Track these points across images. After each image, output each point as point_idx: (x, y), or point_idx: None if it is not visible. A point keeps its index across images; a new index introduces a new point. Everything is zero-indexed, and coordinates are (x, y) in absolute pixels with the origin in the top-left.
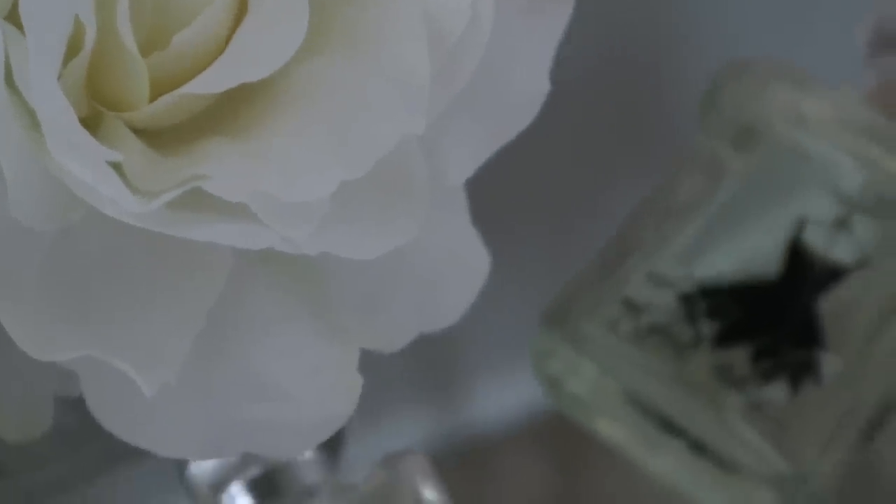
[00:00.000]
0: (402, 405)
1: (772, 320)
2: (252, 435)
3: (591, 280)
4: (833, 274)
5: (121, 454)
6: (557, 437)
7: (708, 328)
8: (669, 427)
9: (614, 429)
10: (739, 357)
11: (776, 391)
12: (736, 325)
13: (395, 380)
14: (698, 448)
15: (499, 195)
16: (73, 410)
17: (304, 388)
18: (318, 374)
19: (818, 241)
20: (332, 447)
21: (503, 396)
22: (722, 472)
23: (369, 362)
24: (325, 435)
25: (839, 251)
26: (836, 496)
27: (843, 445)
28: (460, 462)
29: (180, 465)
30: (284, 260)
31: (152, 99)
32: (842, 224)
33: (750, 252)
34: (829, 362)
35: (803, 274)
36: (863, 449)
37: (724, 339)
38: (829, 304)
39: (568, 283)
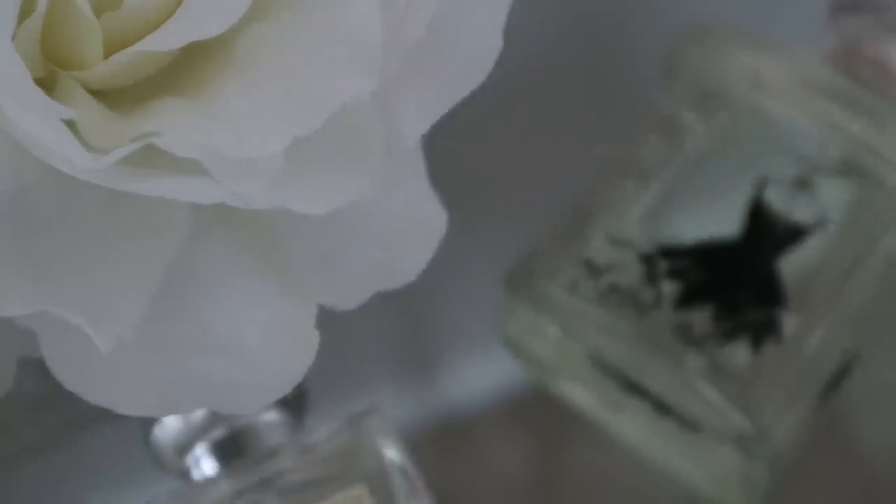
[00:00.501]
0: (381, 383)
1: (733, 281)
2: (210, 391)
3: (552, 243)
4: (794, 234)
5: (88, 420)
6: (537, 413)
7: (669, 289)
8: (633, 388)
9: (579, 391)
10: (701, 317)
11: (737, 350)
12: (697, 286)
13: (374, 358)
14: (662, 408)
15: (468, 168)
16: (39, 376)
17: (262, 344)
18: (275, 331)
19: (779, 202)
20: (296, 408)
21: (482, 373)
22: (685, 432)
23: (348, 341)
24: (282, 391)
25: (800, 212)
26: (798, 453)
27: (804, 404)
28: (439, 440)
29: (145, 430)
30: (242, 218)
31: (106, 58)
32: (803, 185)
33: (711, 213)
34: (790, 321)
35: (764, 235)
36: (823, 407)
37: (686, 299)
38: (790, 265)
39: (531, 246)
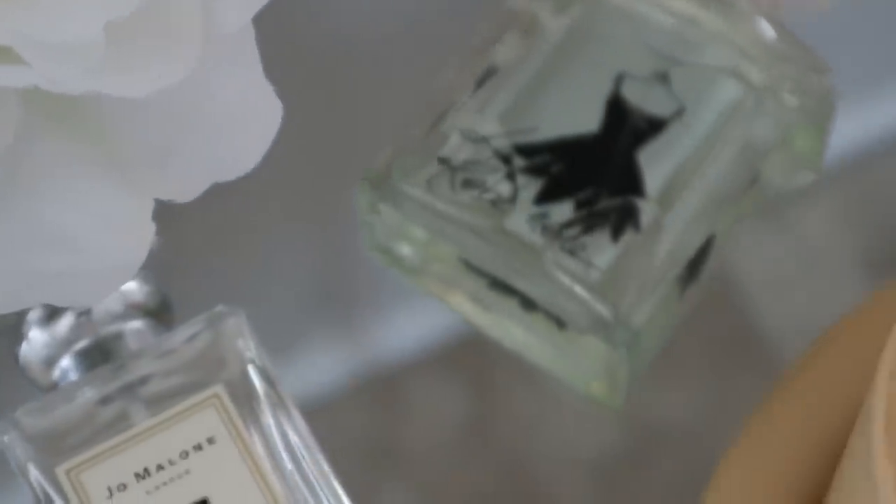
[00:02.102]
0: (313, 338)
1: (592, 174)
2: (49, 284)
3: (408, 141)
4: (652, 125)
5: None
6: (467, 359)
7: (529, 185)
8: (500, 286)
9: (450, 293)
10: (560, 211)
11: (597, 242)
12: (557, 181)
13: (302, 312)
14: (529, 305)
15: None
16: None
17: (97, 238)
18: (111, 225)
19: (637, 96)
20: (161, 316)
21: (410, 323)
22: (553, 327)
23: (275, 297)
24: (120, 283)
25: (657, 104)
26: (659, 338)
27: (664, 289)
28: (371, 392)
29: (12, 349)
30: (76, 112)
31: None
32: (659, 78)
33: (570, 110)
34: (648, 210)
35: (623, 128)
36: (682, 293)
37: (546, 194)
38: (648, 155)
39: (388, 146)
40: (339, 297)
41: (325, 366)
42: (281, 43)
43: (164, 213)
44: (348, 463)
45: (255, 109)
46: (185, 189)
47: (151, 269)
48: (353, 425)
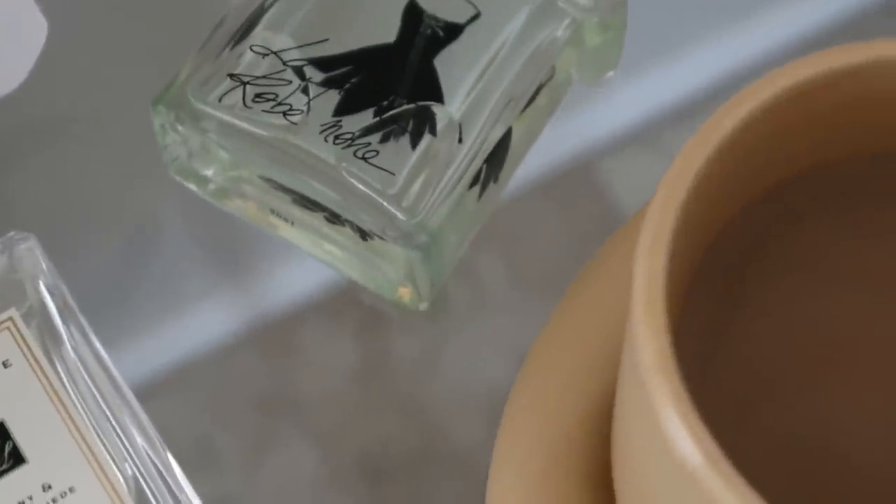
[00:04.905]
0: (197, 294)
1: (390, 84)
2: None
3: (202, 60)
4: (448, 31)
5: None
6: (353, 307)
7: (327, 97)
8: (304, 201)
9: (258, 213)
10: (358, 121)
11: (394, 148)
12: (355, 92)
13: (191, 271)
14: (335, 218)
15: None
16: None
17: None
18: None
19: (432, 3)
20: None
21: (294, 274)
22: (358, 237)
23: (162, 254)
24: None
25: (452, 10)
26: (459, 240)
27: (460, 191)
28: (260, 344)
29: None
30: None
31: None
32: None
33: (366, 21)
34: (444, 115)
35: (419, 36)
36: (481, 193)
37: (345, 106)
38: (445, 61)
39: (182, 67)
40: (222, 253)
41: (214, 318)
42: None
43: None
44: (244, 412)
45: (18, 25)
46: None
47: None
48: (247, 375)
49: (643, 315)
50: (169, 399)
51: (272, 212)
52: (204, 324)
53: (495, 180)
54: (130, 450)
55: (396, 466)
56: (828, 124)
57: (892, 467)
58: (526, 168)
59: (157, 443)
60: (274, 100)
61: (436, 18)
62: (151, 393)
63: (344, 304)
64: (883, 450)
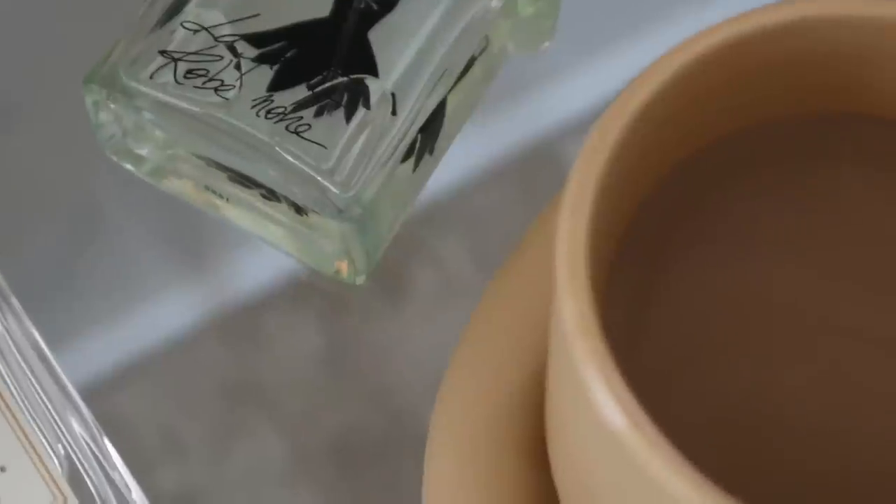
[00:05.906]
0: (159, 285)
1: (325, 58)
2: None
3: (134, 37)
4: (382, 4)
5: None
6: (317, 292)
7: (261, 73)
8: (240, 178)
9: (195, 192)
10: (291, 96)
11: (327, 122)
12: (289, 68)
13: (151, 260)
14: (271, 194)
15: None
16: None
17: None
18: None
19: None
20: None
21: (257, 261)
22: (294, 213)
23: (123, 245)
24: None
25: None
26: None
27: (394, 164)
28: (225, 333)
29: None
30: None
31: None
32: None
33: None
34: (377, 88)
35: (353, 9)
36: (416, 165)
37: (279, 81)
38: (379, 34)
39: (112, 46)
40: (183, 242)
41: (176, 306)
42: None
43: None
44: (210, 401)
45: None
46: None
47: None
48: (212, 364)
49: (565, 279)
50: (133, 390)
51: (208, 189)
52: (166, 313)
53: (430, 152)
54: (63, 430)
55: (365, 452)
56: (755, 86)
57: (825, 435)
58: (489, 151)
59: (92, 425)
60: (205, 76)
61: None
62: (115, 384)
63: (308, 289)
64: (815, 418)
